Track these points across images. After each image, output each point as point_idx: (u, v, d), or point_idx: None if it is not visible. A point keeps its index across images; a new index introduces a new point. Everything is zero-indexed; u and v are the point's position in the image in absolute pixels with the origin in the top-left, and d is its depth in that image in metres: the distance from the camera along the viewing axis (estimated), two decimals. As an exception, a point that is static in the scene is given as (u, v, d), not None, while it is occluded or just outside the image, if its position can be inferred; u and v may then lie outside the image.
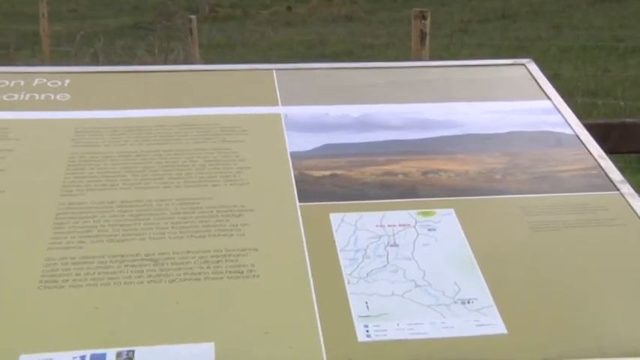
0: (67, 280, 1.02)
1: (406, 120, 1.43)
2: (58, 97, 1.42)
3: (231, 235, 1.11)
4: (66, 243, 1.08)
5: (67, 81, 1.47)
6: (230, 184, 1.21)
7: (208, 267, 1.05)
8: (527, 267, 1.10)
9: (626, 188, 1.27)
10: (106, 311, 0.98)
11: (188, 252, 1.07)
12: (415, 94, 1.52)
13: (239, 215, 1.15)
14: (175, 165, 1.25)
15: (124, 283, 1.02)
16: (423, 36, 4.03)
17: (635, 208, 1.23)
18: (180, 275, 1.04)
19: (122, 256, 1.06)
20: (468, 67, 1.64)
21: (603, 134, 1.81)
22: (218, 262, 1.06)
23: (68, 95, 1.43)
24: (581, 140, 1.40)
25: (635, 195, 1.26)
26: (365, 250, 1.11)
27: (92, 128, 1.33)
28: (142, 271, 1.04)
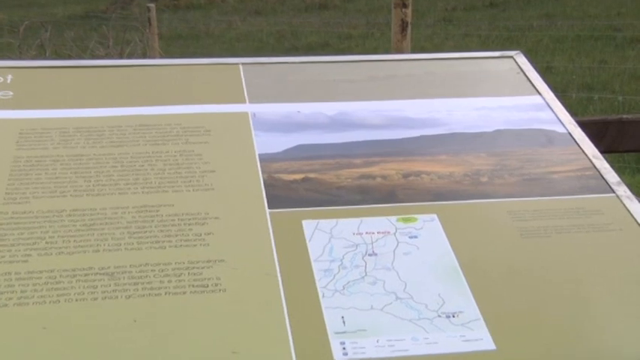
0: (10, 298, 1.01)
1: (385, 118, 1.44)
2: None
3: (195, 245, 1.11)
4: (9, 257, 1.07)
5: (10, 77, 1.46)
6: (193, 190, 1.22)
7: (169, 281, 1.05)
8: (516, 277, 1.12)
9: (623, 190, 1.29)
10: (55, 332, 0.98)
11: (147, 265, 1.07)
12: (395, 90, 1.53)
13: (203, 224, 1.15)
14: (132, 169, 1.25)
15: (76, 300, 1.02)
16: (404, 26, 4.06)
17: (632, 211, 1.25)
18: (138, 290, 1.04)
19: (73, 270, 1.06)
20: (452, 61, 1.66)
21: (599, 132, 1.85)
22: (180, 275, 1.06)
23: (11, 93, 1.42)
24: (574, 139, 1.42)
25: (633, 198, 1.28)
26: (341, 260, 1.12)
27: (39, 129, 1.32)
28: (96, 287, 1.04)
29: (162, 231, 1.13)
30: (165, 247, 1.10)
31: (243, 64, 1.56)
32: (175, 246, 1.11)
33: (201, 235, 1.13)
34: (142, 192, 1.20)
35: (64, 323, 0.99)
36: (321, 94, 1.50)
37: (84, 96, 1.42)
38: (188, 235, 1.13)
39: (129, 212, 1.16)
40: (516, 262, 1.14)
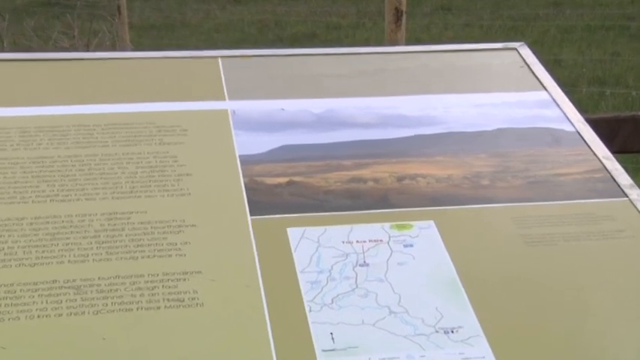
0: (-33, 315, 1.01)
1: (377, 116, 1.45)
2: (-46, 91, 1.41)
3: (170, 255, 1.12)
4: (-34, 269, 1.07)
5: (-34, 71, 1.46)
6: (167, 195, 1.22)
7: (142, 295, 1.06)
8: (520, 289, 1.13)
9: (637, 194, 1.31)
10: (15, 352, 0.98)
11: (117, 277, 1.08)
12: (388, 86, 1.54)
13: (178, 232, 1.16)
14: (100, 173, 1.25)
15: (38, 316, 1.02)
16: (398, 15, 4.07)
17: (646, 217, 1.26)
18: (107, 306, 1.04)
19: (35, 283, 1.06)
20: (450, 53, 1.67)
21: (610, 131, 1.86)
22: (154, 288, 1.07)
23: (-33, 89, 1.42)
24: (583, 138, 1.43)
25: (647, 202, 1.29)
26: (329, 271, 1.12)
27: (-2, 129, 1.32)
28: (61, 302, 1.04)
29: (133, 240, 1.13)
30: (137, 258, 1.11)
31: (222, 57, 1.57)
32: (148, 256, 1.11)
33: (176, 244, 1.13)
34: (112, 197, 1.20)
35: (24, 342, 0.99)
36: (307, 90, 1.50)
37: (46, 92, 1.42)
38: (162, 244, 1.13)
39: (97, 220, 1.16)
40: (520, 273, 1.15)
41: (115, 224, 1.16)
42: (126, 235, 1.14)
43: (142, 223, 1.16)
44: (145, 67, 1.53)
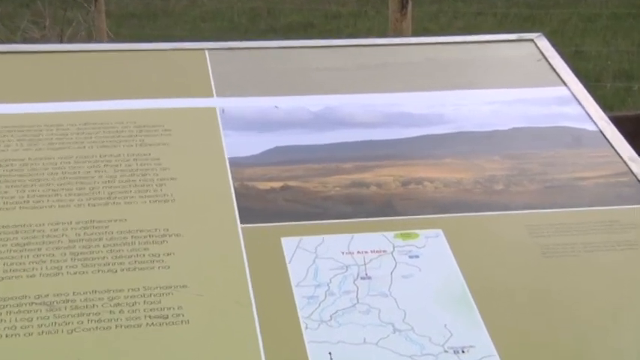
0: None
1: (380, 115, 1.45)
2: None
3: (152, 268, 1.12)
4: None
5: None
6: (150, 202, 1.22)
7: (121, 311, 1.06)
8: (537, 305, 1.13)
9: (665, 200, 1.31)
10: (-17, 373, 0.98)
11: (94, 292, 1.08)
12: (392, 81, 1.54)
13: (162, 242, 1.16)
14: (76, 177, 1.25)
15: (7, 335, 1.02)
16: (403, 2, 4.08)
17: (676, 225, 1.26)
18: (83, 323, 1.04)
19: (3, 299, 1.06)
20: (460, 45, 1.67)
21: (636, 129, 1.86)
22: (134, 304, 1.07)
23: None
24: (606, 138, 1.43)
25: (678, 209, 1.29)
26: (328, 284, 1.13)
27: (-38, 129, 1.32)
28: (32, 319, 1.04)
29: (112, 251, 1.14)
30: (116, 271, 1.11)
31: (209, 49, 1.57)
32: (128, 269, 1.11)
33: (159, 255, 1.14)
34: (88, 204, 1.21)
35: (-7, 363, 0.99)
36: (303, 86, 1.51)
37: (15, 88, 1.43)
38: (144, 255, 1.13)
39: (72, 229, 1.16)
40: (537, 287, 1.15)
41: (91, 234, 1.16)
42: (103, 246, 1.14)
43: (121, 232, 1.17)
44: (124, 61, 1.54)
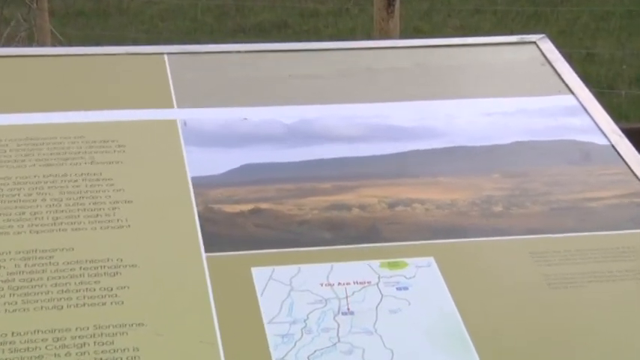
0: None
1: (363, 127, 1.46)
2: None
3: (104, 304, 1.12)
4: None
5: None
6: (101, 228, 1.22)
7: (68, 354, 1.06)
8: (542, 343, 1.14)
9: (686, 223, 1.32)
10: None
11: (36, 332, 1.07)
12: (378, 89, 1.55)
13: (115, 274, 1.16)
14: (15, 200, 1.25)
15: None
16: (390, -1, 4.10)
17: (697, 252, 1.27)
18: (24, 367, 1.04)
19: None
20: (455, 48, 1.69)
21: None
22: (83, 345, 1.07)
23: None
24: (619, 153, 1.44)
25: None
26: (305, 321, 1.13)
27: None
28: (-34, 363, 1.04)
29: (57, 285, 1.13)
30: (61, 308, 1.11)
31: (169, 53, 1.57)
32: (76, 305, 1.11)
33: (112, 289, 1.14)
34: (30, 231, 1.20)
35: None
36: (275, 96, 1.51)
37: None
38: (94, 289, 1.13)
39: (11, 260, 1.16)
40: (542, 323, 1.16)
41: (33, 265, 1.16)
42: (47, 279, 1.14)
43: (67, 263, 1.16)
44: (71, 67, 1.54)
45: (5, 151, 1.33)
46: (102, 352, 1.06)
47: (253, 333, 1.11)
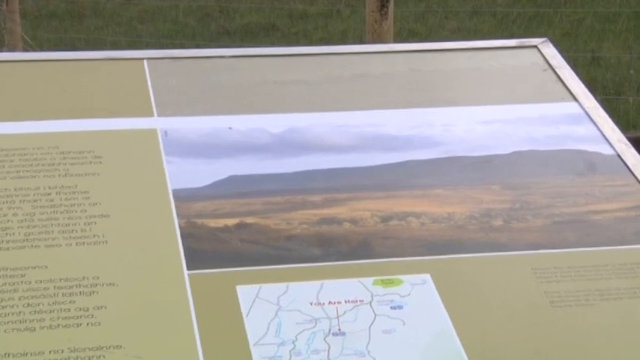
0: None
1: (355, 137, 1.46)
2: None
3: (79, 325, 1.12)
4: None
5: None
6: (76, 244, 1.22)
7: (42, 378, 1.06)
8: (545, 363, 1.14)
9: (698, 238, 1.32)
10: None
11: (7, 355, 1.07)
12: (370, 96, 1.55)
13: (91, 293, 1.16)
14: (-15, 214, 1.25)
15: None
16: (383, 0, 4.11)
17: None
18: (-5, 393, 1.04)
19: None
20: (451, 53, 1.69)
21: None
22: (57, 369, 1.07)
23: None
24: (626, 164, 1.45)
25: None
26: (293, 342, 1.13)
27: None
28: None
29: (30, 305, 1.13)
30: (34, 329, 1.10)
31: (148, 58, 1.57)
32: (50, 327, 1.11)
33: (88, 309, 1.14)
34: (0, 248, 1.20)
35: None
36: (262, 103, 1.51)
37: None
38: (69, 310, 1.13)
39: (-19, 278, 1.16)
40: (544, 343, 1.16)
41: (3, 284, 1.15)
42: (19, 299, 1.14)
43: (41, 281, 1.16)
44: (44, 72, 1.53)
45: (-26, 163, 1.33)
46: (78, 376, 1.06)
47: (238, 356, 1.11)
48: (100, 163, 1.35)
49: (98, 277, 1.18)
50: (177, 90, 1.52)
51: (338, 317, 1.16)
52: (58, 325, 1.11)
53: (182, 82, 1.54)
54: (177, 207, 1.29)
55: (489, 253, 1.28)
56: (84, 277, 1.17)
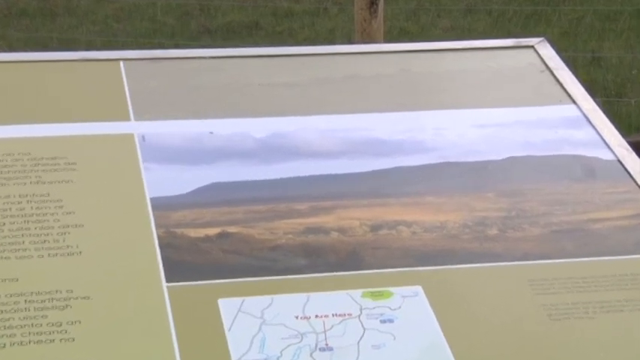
0: None
1: (343, 142, 1.47)
2: None
3: (52, 341, 1.11)
4: None
5: None
6: (48, 255, 1.22)
7: (12, 397, 1.06)
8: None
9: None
10: None
11: (-24, 373, 1.07)
12: (359, 99, 1.56)
13: (64, 307, 1.16)
14: (-47, 224, 1.25)
15: None
16: (373, -2, 4.11)
17: None
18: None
19: None
20: (444, 53, 1.69)
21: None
22: (29, 387, 1.07)
23: None
24: (626, 169, 1.45)
25: None
26: (278, 358, 1.13)
27: None
28: None
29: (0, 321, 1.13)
30: (4, 346, 1.10)
31: (125, 59, 1.57)
32: (21, 343, 1.11)
33: (61, 324, 1.13)
34: (-31, 260, 1.20)
35: None
36: (245, 106, 1.52)
37: None
38: (41, 325, 1.13)
39: (-52, 291, 1.16)
40: (542, 358, 1.17)
41: (-27, 297, 1.16)
42: (-11, 313, 1.14)
43: (10, 295, 1.16)
44: (14, 74, 1.53)
45: (-59, 170, 1.33)
46: (50, 395, 1.06)
47: (220, 372, 1.11)
48: (74, 169, 1.34)
49: (72, 291, 1.17)
50: (156, 92, 1.52)
51: (325, 332, 1.17)
52: (30, 341, 1.11)
53: (160, 84, 1.54)
54: (155, 216, 1.29)
55: (484, 264, 1.28)
56: (57, 291, 1.17)
